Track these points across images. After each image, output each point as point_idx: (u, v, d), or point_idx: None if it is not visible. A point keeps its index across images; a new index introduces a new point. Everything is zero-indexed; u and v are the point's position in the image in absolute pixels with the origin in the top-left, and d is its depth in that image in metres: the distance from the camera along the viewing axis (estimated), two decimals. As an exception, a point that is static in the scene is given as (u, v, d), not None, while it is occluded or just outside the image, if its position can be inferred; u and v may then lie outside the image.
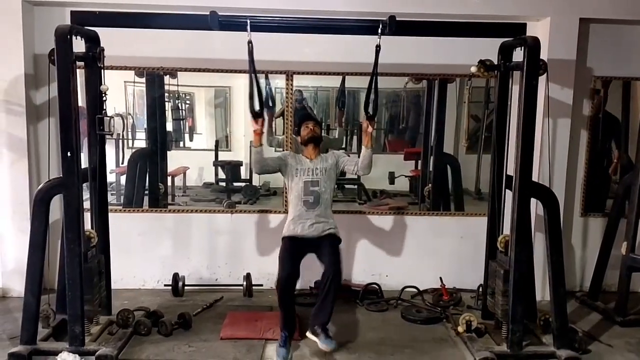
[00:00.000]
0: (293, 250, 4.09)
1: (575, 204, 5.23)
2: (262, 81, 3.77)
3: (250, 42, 3.65)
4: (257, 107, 3.83)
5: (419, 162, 5.42)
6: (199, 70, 4.97)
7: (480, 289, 4.57)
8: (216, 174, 5.44)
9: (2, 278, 4.86)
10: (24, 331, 3.69)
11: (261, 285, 5.12)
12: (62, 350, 3.64)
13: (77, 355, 3.60)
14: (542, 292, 4.78)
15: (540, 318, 4.09)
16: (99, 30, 3.91)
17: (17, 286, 4.68)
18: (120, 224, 4.73)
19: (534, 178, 3.98)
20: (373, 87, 3.82)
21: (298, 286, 5.15)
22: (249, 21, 3.62)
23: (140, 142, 5.30)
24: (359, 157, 4.14)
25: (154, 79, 5.11)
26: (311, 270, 5.17)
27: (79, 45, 3.72)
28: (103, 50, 3.87)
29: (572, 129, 4.95)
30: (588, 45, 4.99)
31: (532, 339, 4.02)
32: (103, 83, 3.89)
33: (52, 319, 3.96)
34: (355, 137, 5.40)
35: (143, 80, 5.10)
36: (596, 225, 5.25)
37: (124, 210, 5.13)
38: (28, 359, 3.62)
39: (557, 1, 4.72)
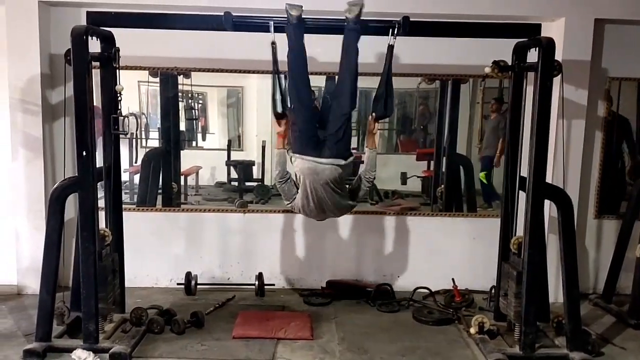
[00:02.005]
0: None
1: (589, 205, 5.19)
2: (283, 82, 3.75)
3: (273, 43, 3.64)
4: (279, 108, 3.77)
5: (432, 162, 5.41)
6: (212, 70, 4.99)
7: (493, 291, 4.54)
8: (228, 174, 5.46)
9: (18, 276, 4.91)
10: (39, 328, 3.74)
11: (273, 284, 5.12)
12: (76, 348, 3.68)
13: (91, 353, 3.64)
14: (556, 294, 4.75)
15: (553, 320, 4.07)
16: (114, 30, 3.95)
17: (33, 284, 4.72)
18: (134, 222, 4.75)
19: (548, 179, 3.97)
20: (386, 86, 3.74)
21: (308, 286, 5.20)
22: (272, 23, 3.64)
23: (154, 142, 5.34)
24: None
25: (168, 79, 5.13)
26: (322, 269, 5.21)
27: (94, 45, 3.76)
28: (118, 50, 3.91)
29: (587, 130, 4.91)
30: (603, 46, 4.95)
31: (544, 341, 4.00)
32: (118, 83, 3.94)
33: (67, 316, 3.98)
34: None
35: (157, 80, 5.13)
36: (610, 228, 5.21)
37: (138, 209, 5.16)
38: (43, 355, 3.66)
39: (572, 2, 4.69)
